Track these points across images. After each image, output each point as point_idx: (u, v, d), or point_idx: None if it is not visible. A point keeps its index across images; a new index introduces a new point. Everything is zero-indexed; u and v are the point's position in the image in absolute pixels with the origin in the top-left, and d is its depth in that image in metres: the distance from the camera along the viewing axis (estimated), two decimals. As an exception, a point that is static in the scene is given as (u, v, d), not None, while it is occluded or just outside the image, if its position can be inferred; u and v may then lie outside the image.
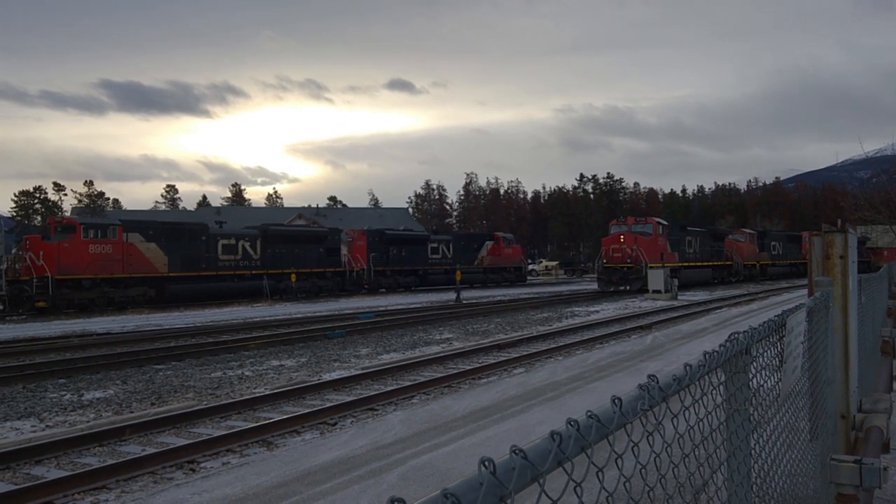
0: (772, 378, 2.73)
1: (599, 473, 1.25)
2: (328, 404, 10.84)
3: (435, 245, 50.84)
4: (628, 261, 41.42)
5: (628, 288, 40.99)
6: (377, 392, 11.72)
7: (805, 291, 5.69)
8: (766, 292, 39.47)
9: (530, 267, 75.80)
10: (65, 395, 12.30)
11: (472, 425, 8.53)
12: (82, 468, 7.73)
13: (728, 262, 52.91)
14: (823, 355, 4.22)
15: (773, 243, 61.38)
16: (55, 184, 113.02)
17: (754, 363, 2.44)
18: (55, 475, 7.48)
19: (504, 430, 8.22)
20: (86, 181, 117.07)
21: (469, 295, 40.49)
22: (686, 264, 45.00)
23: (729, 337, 2.18)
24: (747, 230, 61.57)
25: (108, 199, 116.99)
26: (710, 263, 49.96)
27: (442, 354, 15.92)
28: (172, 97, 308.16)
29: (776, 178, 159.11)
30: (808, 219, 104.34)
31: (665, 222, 46.18)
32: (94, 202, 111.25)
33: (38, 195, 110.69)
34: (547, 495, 1.06)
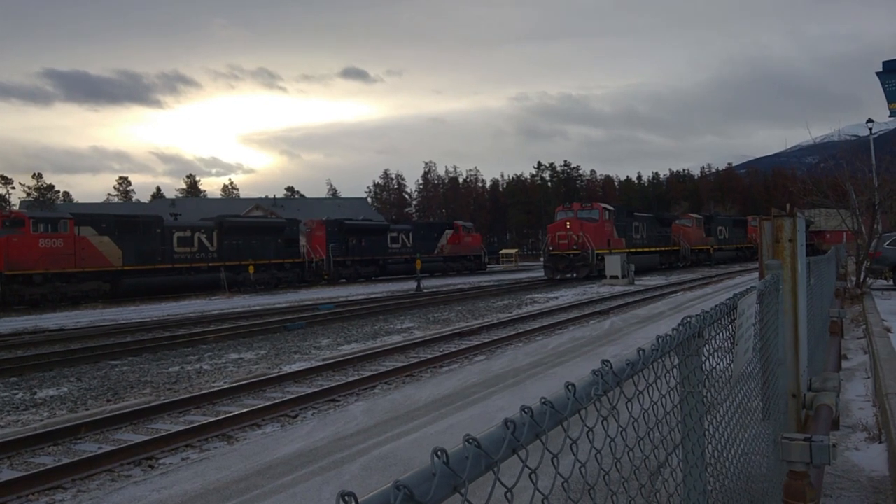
0: (724, 360, 2.78)
1: (554, 460, 1.26)
2: (289, 396, 10.77)
3: (395, 234, 50.71)
4: (575, 247, 40.84)
5: (575, 275, 40.33)
6: (338, 383, 11.68)
7: (757, 275, 5.82)
8: (720, 276, 40.22)
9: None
10: (17, 393, 11.99)
11: (435, 413, 8.56)
12: (36, 468, 7.55)
13: (675, 248, 52.66)
14: (774, 336, 4.32)
15: (719, 228, 60.96)
16: (2, 177, 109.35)
17: (707, 346, 2.48)
18: (8, 476, 7.30)
19: (466, 418, 8.26)
20: (34, 174, 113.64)
21: (429, 284, 40.53)
22: (633, 250, 44.29)
23: (682, 321, 2.21)
24: (694, 215, 60.81)
25: (59, 192, 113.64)
26: (658, 249, 49.67)
27: (403, 344, 15.91)
28: (121, 87, 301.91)
29: (728, 164, 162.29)
30: (760, 203, 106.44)
31: (612, 208, 45.62)
32: (44, 195, 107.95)
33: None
34: (501, 483, 1.06)
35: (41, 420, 9.93)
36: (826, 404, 4.89)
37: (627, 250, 42.84)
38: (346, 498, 0.81)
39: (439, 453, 0.95)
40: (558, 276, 40.91)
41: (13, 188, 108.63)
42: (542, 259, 45.59)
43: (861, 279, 20.64)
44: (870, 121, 32.83)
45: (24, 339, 18.98)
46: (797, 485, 3.57)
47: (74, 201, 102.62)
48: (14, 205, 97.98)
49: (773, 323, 4.27)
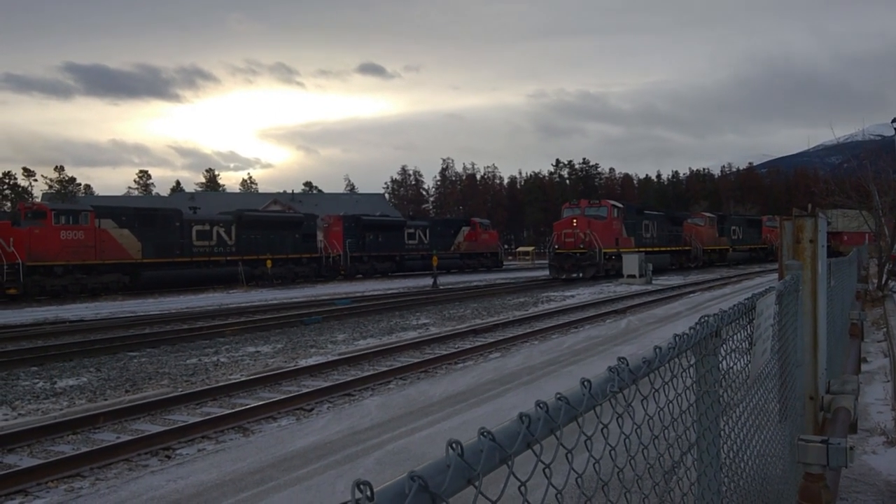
0: (741, 360, 2.76)
1: (569, 455, 1.26)
2: (304, 390, 10.82)
3: (412, 231, 50.71)
4: (581, 246, 39.25)
5: (581, 275, 38.74)
6: (354, 378, 11.71)
7: (776, 275, 5.77)
8: (739, 276, 39.89)
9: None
10: (37, 382, 12.14)
11: (449, 410, 8.56)
12: (56, 456, 7.66)
13: (686, 248, 50.81)
14: (793, 338, 4.28)
15: (733, 228, 58.83)
16: (25, 169, 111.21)
17: (724, 346, 2.46)
18: (28, 463, 7.41)
19: (480, 415, 8.26)
20: (56, 166, 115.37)
21: (446, 280, 40.54)
22: (643, 249, 42.01)
23: (699, 320, 2.21)
24: (707, 214, 58.55)
25: (80, 184, 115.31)
26: (668, 249, 47.80)
27: (419, 340, 15.93)
28: (141, 81, 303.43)
29: (749, 163, 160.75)
30: (781, 204, 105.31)
31: (620, 205, 43.83)
32: (66, 188, 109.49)
33: (7, 181, 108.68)
34: (515, 477, 1.07)
35: (61, 409, 10.05)
36: (844, 407, 4.85)
37: (636, 249, 41.16)
38: (362, 486, 0.81)
39: (454, 445, 0.95)
40: (563, 276, 39.31)
41: (35, 181, 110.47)
42: (547, 258, 44.70)
43: (883, 281, 20.41)
44: (895, 120, 32.36)
45: (45, 330, 19.20)
46: (813, 487, 3.55)
47: (95, 194, 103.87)
48: (36, 197, 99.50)
49: (791, 324, 4.24)
